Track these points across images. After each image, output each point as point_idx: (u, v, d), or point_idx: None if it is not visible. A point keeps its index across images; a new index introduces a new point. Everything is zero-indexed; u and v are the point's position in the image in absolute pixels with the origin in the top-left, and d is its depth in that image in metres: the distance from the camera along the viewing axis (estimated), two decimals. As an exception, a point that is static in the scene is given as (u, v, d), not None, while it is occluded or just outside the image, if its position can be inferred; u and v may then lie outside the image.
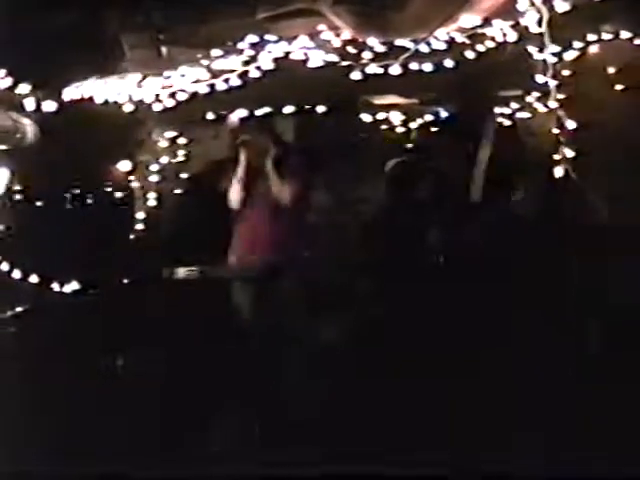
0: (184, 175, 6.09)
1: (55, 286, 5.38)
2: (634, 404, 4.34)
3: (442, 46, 4.74)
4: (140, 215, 5.94)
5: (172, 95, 5.04)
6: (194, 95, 4.98)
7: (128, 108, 5.12)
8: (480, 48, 4.78)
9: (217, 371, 4.86)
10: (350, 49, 4.81)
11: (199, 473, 4.07)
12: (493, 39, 4.76)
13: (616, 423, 4.21)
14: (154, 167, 6.07)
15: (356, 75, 4.81)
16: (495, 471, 3.95)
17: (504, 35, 4.70)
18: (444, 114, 5.90)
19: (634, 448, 4.01)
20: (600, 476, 3.90)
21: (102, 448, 4.17)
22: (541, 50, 4.49)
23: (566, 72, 4.74)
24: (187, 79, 5.00)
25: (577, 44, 4.85)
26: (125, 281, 5.60)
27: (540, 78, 4.61)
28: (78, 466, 3.99)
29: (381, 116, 5.99)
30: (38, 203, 5.51)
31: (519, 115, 5.57)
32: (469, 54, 4.77)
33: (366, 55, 4.79)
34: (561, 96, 4.59)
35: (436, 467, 3.90)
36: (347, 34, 4.79)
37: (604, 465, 3.87)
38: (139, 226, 5.91)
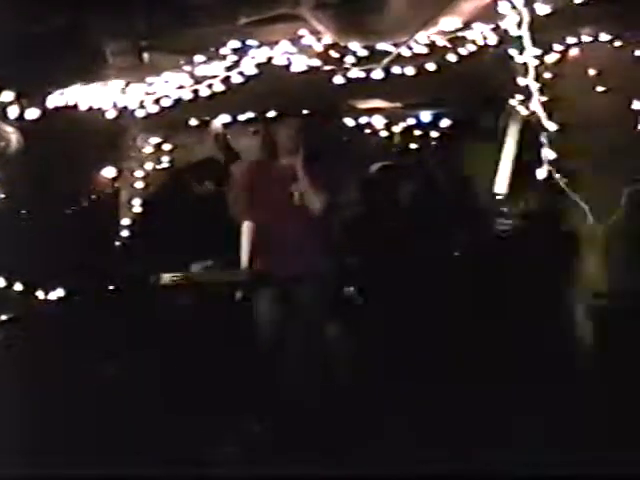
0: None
1: (40, 294, 5.37)
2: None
3: (423, 50, 4.77)
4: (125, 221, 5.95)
5: (156, 101, 5.07)
6: (178, 101, 5.00)
7: (112, 115, 5.14)
8: (462, 51, 4.82)
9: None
10: (332, 53, 4.85)
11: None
12: (474, 42, 4.79)
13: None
14: (139, 173, 6.10)
15: (339, 79, 4.84)
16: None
17: (484, 38, 4.73)
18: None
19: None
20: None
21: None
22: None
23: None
24: (170, 85, 5.02)
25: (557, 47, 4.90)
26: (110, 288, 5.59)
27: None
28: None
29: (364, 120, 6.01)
30: (22, 210, 5.47)
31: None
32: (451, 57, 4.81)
33: (348, 59, 4.83)
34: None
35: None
36: (328, 39, 4.81)
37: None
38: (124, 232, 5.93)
